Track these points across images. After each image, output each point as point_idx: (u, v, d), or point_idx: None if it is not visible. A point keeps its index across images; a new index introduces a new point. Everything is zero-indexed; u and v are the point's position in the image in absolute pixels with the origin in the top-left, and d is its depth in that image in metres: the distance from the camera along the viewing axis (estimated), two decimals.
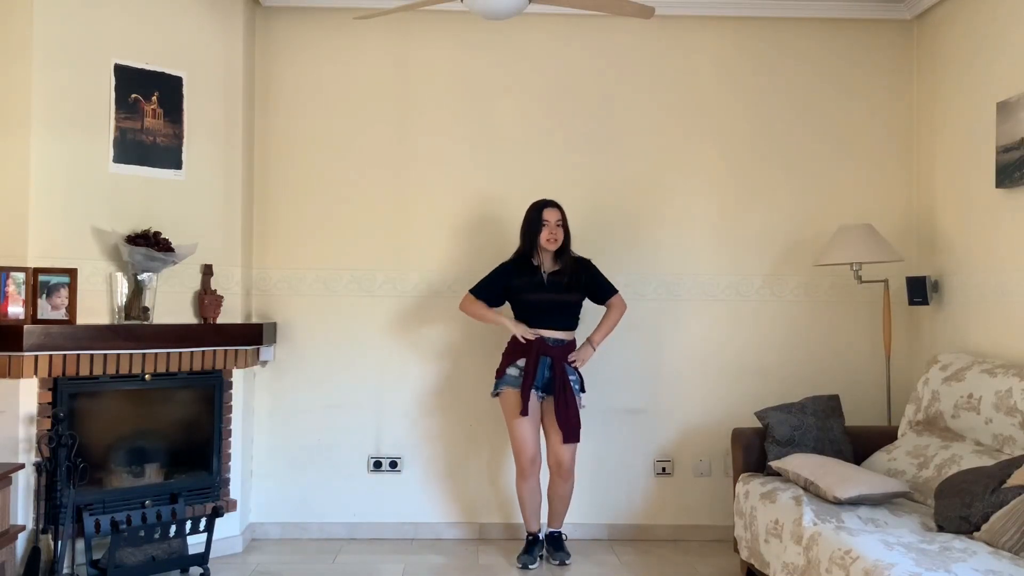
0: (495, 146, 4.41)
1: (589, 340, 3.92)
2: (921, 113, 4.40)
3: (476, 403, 4.31)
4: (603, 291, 3.96)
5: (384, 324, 4.38)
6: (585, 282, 3.88)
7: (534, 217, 3.84)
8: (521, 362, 3.79)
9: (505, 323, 3.84)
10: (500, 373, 3.85)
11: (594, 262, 4.18)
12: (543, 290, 3.83)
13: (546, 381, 3.80)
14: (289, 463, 4.34)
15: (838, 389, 4.29)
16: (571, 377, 3.82)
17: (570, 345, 3.88)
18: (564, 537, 3.96)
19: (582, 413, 3.89)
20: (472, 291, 3.93)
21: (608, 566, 3.91)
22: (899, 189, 4.45)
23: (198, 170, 4.00)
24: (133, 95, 3.80)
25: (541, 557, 3.92)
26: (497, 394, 3.85)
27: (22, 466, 3.31)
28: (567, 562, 3.84)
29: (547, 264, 3.87)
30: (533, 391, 3.78)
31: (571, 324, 3.89)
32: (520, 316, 3.87)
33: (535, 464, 3.85)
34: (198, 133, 4.00)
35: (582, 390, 3.89)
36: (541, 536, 3.94)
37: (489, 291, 3.90)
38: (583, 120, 4.43)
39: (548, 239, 3.81)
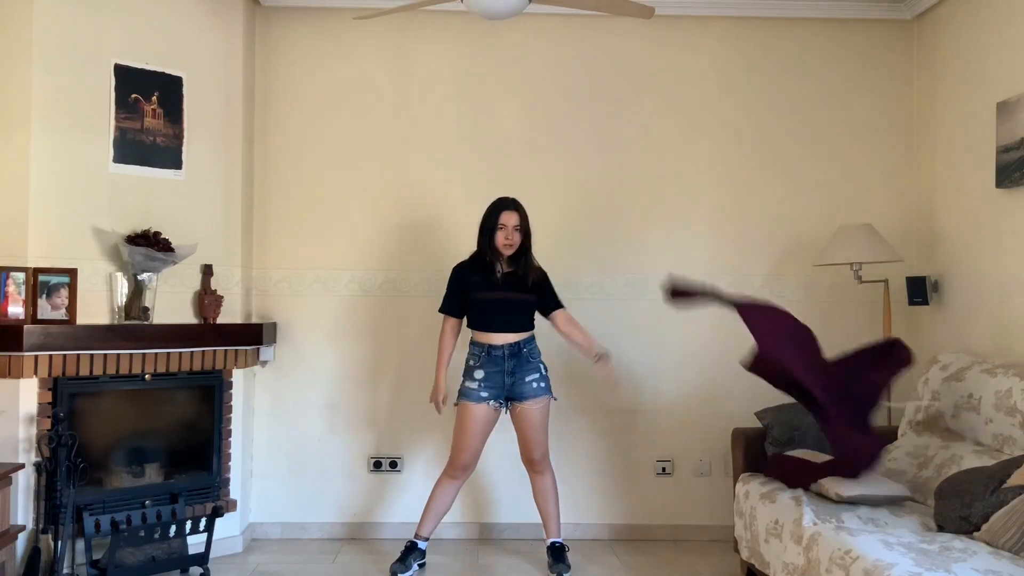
0: (495, 146, 4.41)
1: (598, 354, 3.78)
2: (921, 113, 4.40)
3: None
4: (552, 301, 3.82)
5: (384, 324, 4.38)
6: (540, 286, 3.77)
7: (491, 218, 3.71)
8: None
9: (438, 382, 3.76)
10: (462, 388, 3.75)
11: (593, 262, 4.18)
12: (497, 288, 3.71)
13: (504, 388, 3.70)
14: (289, 463, 4.34)
15: None
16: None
17: (532, 342, 3.76)
18: (566, 548, 3.84)
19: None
20: (442, 309, 3.82)
21: (608, 566, 3.91)
22: (899, 189, 4.45)
23: (198, 170, 4.00)
24: (133, 95, 3.80)
25: (421, 566, 3.80)
26: (456, 405, 3.77)
27: (22, 466, 3.31)
28: (565, 575, 3.72)
29: (503, 265, 3.74)
30: (490, 402, 3.70)
31: (527, 324, 3.76)
32: (474, 318, 3.75)
33: (467, 471, 3.74)
34: (198, 133, 4.00)
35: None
36: (422, 546, 3.79)
37: (453, 301, 3.78)
38: (583, 120, 4.43)
39: (504, 243, 3.68)
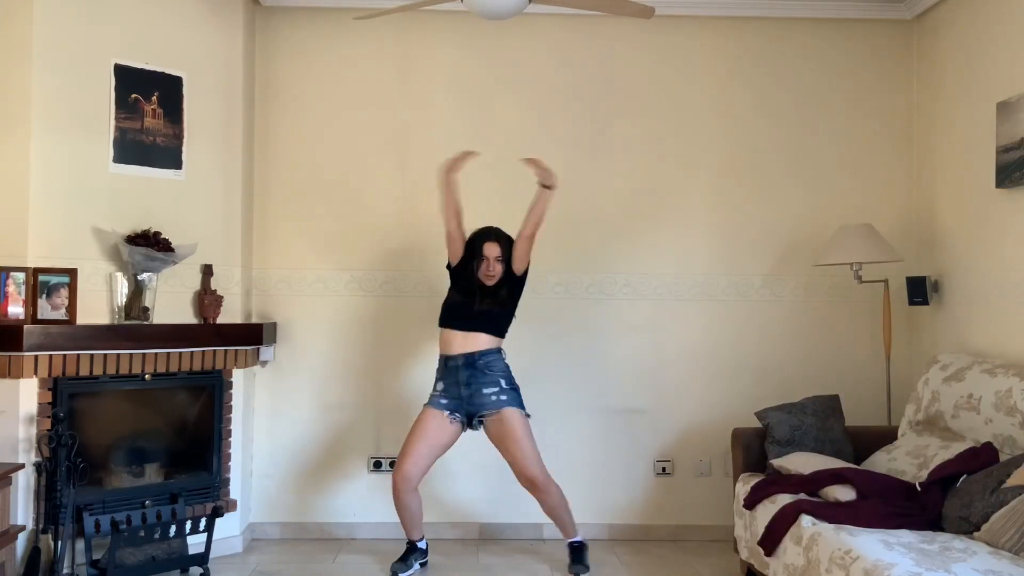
0: (494, 146, 4.40)
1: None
2: (921, 113, 4.40)
3: None
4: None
5: (384, 324, 4.38)
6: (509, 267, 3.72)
7: (473, 247, 3.72)
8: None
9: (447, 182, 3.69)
10: (430, 394, 3.76)
11: (593, 262, 4.19)
12: (472, 299, 3.68)
13: (462, 401, 3.66)
14: (289, 463, 4.34)
15: (838, 389, 4.29)
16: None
17: (492, 354, 3.68)
18: (586, 547, 3.81)
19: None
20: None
21: (608, 566, 3.91)
22: (899, 189, 4.45)
23: (198, 170, 4.00)
24: (133, 95, 3.80)
25: (423, 565, 3.82)
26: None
27: (22, 466, 3.31)
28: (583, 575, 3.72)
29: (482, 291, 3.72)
30: (447, 413, 3.67)
31: (487, 328, 3.68)
32: (446, 312, 3.75)
33: (407, 481, 3.63)
34: (198, 133, 4.00)
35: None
36: (422, 545, 3.83)
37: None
38: (583, 120, 4.43)
39: (486, 274, 3.68)
